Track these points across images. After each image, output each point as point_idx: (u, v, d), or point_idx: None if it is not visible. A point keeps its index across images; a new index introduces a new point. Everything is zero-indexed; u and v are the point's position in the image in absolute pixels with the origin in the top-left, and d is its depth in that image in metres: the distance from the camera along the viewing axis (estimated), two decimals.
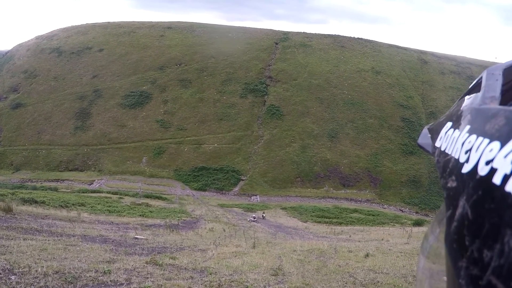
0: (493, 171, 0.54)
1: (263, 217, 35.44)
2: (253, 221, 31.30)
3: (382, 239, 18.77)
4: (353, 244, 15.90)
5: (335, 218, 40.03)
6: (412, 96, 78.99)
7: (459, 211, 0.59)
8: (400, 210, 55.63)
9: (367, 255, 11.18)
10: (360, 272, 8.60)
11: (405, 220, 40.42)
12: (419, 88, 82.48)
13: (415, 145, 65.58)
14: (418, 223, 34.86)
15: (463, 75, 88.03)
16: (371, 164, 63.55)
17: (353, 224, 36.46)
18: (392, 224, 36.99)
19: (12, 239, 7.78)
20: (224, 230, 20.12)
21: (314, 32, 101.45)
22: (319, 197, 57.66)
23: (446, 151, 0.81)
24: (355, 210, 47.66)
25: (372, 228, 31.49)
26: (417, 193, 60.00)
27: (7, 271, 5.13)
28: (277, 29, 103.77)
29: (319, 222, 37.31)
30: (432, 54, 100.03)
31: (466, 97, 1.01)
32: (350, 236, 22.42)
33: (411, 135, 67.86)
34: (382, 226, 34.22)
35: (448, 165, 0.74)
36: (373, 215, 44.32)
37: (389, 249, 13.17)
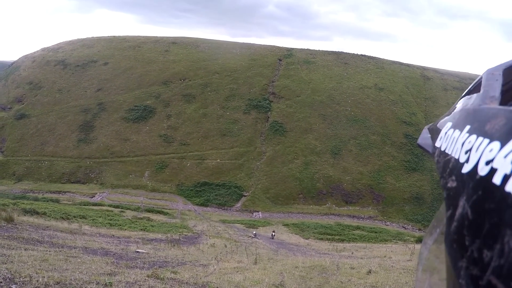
0: (493, 171, 0.54)
1: (273, 237, 33.32)
2: (254, 237, 31.12)
3: (385, 256, 18.63)
4: (356, 261, 15.77)
5: (337, 235, 39.75)
6: (415, 112, 79.06)
7: (459, 211, 0.59)
8: (403, 227, 55.25)
9: (369, 272, 11.09)
10: None
11: (408, 237, 40.08)
12: (422, 104, 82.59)
13: (418, 161, 65.59)
14: (421, 240, 34.08)
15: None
16: (374, 181, 63.31)
17: (356, 241, 36.18)
18: (394, 241, 36.65)
19: (13, 248, 7.75)
20: (226, 246, 19.98)
21: (317, 49, 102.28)
22: (322, 213, 57.36)
23: (446, 151, 0.81)
24: (358, 227, 47.34)
25: (374, 245, 31.24)
26: (420, 210, 59.63)
27: (8, 280, 5.11)
28: (281, 45, 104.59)
29: (321, 239, 37.05)
30: (435, 71, 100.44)
31: (466, 97, 1.01)
32: (352, 253, 22.24)
33: (414, 151, 67.66)
34: (385, 243, 33.93)
35: (448, 165, 0.74)
36: (375, 232, 43.98)
37: (392, 266, 13.06)
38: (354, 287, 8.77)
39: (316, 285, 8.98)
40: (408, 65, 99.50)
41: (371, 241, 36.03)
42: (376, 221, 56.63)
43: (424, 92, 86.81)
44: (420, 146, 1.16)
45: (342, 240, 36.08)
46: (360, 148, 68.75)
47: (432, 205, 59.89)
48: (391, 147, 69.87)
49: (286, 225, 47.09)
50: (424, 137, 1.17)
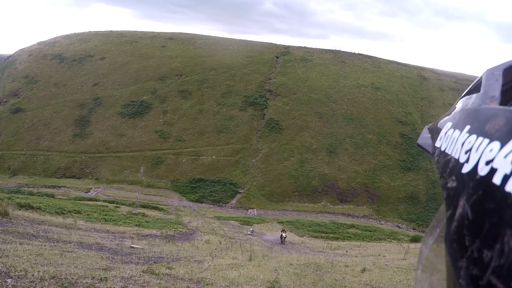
0: (493, 171, 0.54)
1: (283, 240, 26.82)
2: (250, 234, 31.17)
3: (379, 255, 18.72)
4: (350, 259, 15.85)
5: (332, 233, 39.84)
6: (411, 112, 79.25)
7: (459, 211, 0.59)
8: (397, 226, 55.46)
9: (363, 270, 11.16)
10: (356, 287, 8.57)
11: (402, 236, 40.25)
12: (418, 104, 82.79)
13: (413, 161, 65.79)
14: (415, 240, 34.66)
15: (462, 92, 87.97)
16: (369, 180, 63.47)
17: (350, 239, 36.29)
18: (389, 240, 36.82)
19: (8, 243, 7.74)
20: (221, 243, 20.00)
21: (314, 47, 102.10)
22: (316, 211, 57.46)
23: (446, 151, 0.81)
24: (352, 226, 47.50)
25: (369, 244, 31.37)
26: (415, 210, 59.87)
27: (3, 274, 5.10)
28: (278, 43, 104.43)
29: (316, 237, 37.14)
30: (432, 71, 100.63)
31: (466, 97, 1.01)
32: (347, 251, 22.33)
33: (410, 151, 67.90)
34: (379, 242, 34.08)
35: (448, 165, 0.74)
36: (370, 231, 44.10)
37: (386, 264, 13.13)
38: (349, 285, 8.81)
39: (311, 282, 9.03)
40: (405, 65, 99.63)
41: (365, 240, 36.18)
42: (370, 219, 56.80)
43: (420, 92, 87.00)
44: (420, 146, 1.16)
45: (337, 238, 36.19)
46: (355, 147, 68.88)
47: (426, 204, 60.19)
48: (387, 146, 70.05)
49: (280, 222, 47.10)
50: (424, 137, 1.17)
